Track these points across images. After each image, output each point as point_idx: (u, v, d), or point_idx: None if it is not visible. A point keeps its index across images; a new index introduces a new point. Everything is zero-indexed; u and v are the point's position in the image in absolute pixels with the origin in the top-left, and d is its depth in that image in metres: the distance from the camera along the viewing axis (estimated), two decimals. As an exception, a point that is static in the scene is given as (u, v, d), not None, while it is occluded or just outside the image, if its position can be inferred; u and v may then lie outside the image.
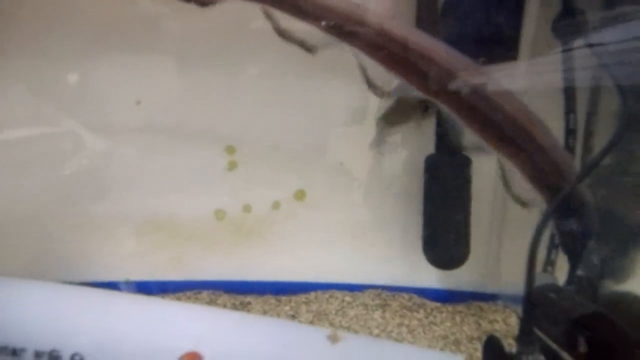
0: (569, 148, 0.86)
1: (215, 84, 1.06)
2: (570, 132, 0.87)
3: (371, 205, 1.16)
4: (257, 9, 0.96)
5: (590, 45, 0.80)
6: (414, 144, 1.08)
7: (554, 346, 0.70)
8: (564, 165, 0.70)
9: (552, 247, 0.86)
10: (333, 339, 0.79)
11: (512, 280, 0.90)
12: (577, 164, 0.86)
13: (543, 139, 0.69)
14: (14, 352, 0.74)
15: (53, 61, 1.02)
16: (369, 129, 1.07)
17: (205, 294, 1.13)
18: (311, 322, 1.04)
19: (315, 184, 1.13)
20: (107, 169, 1.11)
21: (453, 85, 0.70)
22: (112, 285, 1.06)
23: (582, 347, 0.55)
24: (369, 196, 1.16)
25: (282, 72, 1.04)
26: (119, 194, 1.12)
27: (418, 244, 1.06)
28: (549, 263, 0.87)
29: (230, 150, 1.10)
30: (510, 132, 0.69)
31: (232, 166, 1.11)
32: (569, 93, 0.87)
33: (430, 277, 1.16)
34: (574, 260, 0.77)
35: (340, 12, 0.71)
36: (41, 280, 0.86)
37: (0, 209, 1.07)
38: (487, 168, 1.01)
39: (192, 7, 0.99)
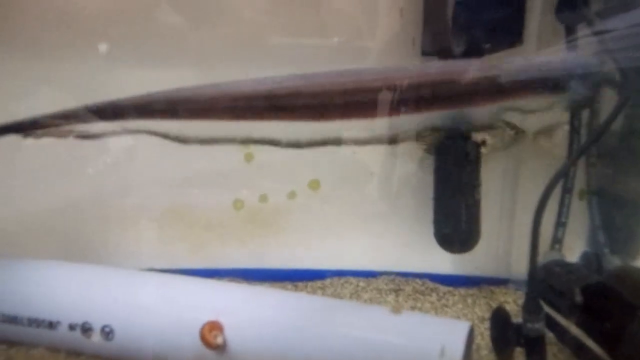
0: (574, 128, 0.89)
1: (231, 78, 1.10)
2: (575, 113, 0.89)
3: (384, 194, 1.19)
4: (274, 24, 1.05)
5: (594, 31, 0.83)
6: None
7: (559, 318, 0.73)
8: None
9: (558, 225, 0.89)
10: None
11: (523, 265, 0.92)
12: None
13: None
14: (50, 324, 0.81)
15: (78, 63, 1.08)
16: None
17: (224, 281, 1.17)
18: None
19: (329, 173, 1.16)
20: (130, 163, 1.17)
21: None
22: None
23: (577, 298, 0.57)
24: (382, 184, 1.19)
25: (296, 63, 1.08)
26: (142, 186, 1.18)
27: (431, 231, 1.09)
28: (557, 241, 0.89)
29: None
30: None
31: (248, 158, 1.15)
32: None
33: (444, 263, 1.18)
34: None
35: None
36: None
37: (35, 205, 1.13)
38: (497, 153, 1.03)
39: (211, 18, 1.06)
